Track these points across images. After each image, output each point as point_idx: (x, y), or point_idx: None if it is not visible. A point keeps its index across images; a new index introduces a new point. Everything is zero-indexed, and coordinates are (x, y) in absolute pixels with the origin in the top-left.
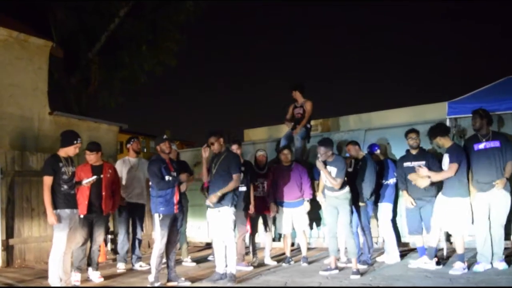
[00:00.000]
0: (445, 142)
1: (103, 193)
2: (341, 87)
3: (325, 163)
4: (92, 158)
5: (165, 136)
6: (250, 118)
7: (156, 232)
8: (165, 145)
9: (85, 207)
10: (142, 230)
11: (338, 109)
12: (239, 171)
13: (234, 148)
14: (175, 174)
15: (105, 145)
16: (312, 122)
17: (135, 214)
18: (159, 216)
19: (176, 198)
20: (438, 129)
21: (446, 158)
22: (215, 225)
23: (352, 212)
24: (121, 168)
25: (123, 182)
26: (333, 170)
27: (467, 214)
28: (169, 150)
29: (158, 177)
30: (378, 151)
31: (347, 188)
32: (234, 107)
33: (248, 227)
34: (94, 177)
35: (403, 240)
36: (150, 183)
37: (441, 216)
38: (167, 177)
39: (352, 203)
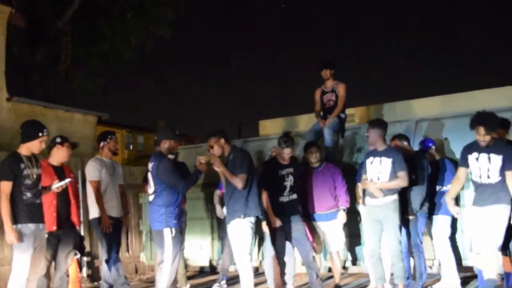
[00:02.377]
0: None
1: (72, 201)
2: (382, 67)
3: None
4: (64, 154)
5: (177, 131)
6: (267, 106)
7: (167, 253)
8: (176, 144)
9: (54, 221)
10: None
11: (379, 94)
12: (244, 171)
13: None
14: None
15: (80, 140)
16: (347, 111)
17: (116, 230)
18: (172, 231)
19: (184, 206)
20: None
21: (498, 160)
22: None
23: (400, 228)
24: (100, 169)
25: (102, 188)
26: (386, 162)
27: None
28: (177, 151)
29: (180, 176)
30: (433, 148)
31: (395, 196)
32: (246, 92)
33: (309, 236)
34: (68, 179)
35: (465, 263)
36: (151, 189)
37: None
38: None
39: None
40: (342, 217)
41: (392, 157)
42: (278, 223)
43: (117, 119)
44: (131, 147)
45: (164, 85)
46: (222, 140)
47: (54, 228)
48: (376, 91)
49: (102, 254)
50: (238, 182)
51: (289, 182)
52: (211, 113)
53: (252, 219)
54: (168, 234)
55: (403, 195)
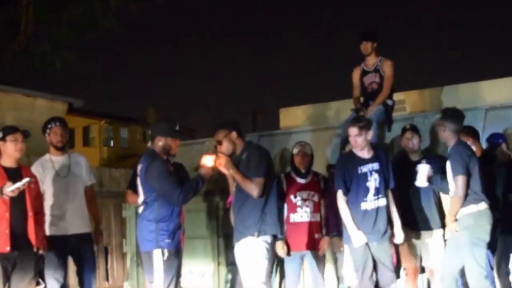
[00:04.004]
0: None
1: (29, 214)
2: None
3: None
4: (18, 147)
5: (177, 127)
6: (289, 91)
7: (158, 282)
8: (176, 143)
9: (7, 240)
10: (94, 279)
11: (436, 75)
12: (261, 174)
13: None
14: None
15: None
16: (396, 97)
17: (78, 253)
18: (164, 253)
19: (182, 221)
20: None
21: None
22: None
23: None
24: (40, 178)
25: (46, 198)
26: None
27: None
28: (175, 152)
29: (176, 182)
30: (503, 146)
31: (481, 205)
32: (262, 74)
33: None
34: (27, 179)
35: None
36: (140, 199)
37: None
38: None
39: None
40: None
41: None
42: (359, 240)
43: (94, 107)
44: (111, 143)
45: (157, 65)
46: (234, 134)
47: (7, 249)
48: (433, 71)
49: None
50: (253, 189)
51: (373, 182)
52: (217, 100)
53: (268, 239)
54: (159, 256)
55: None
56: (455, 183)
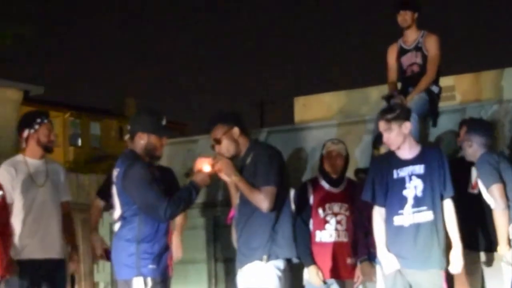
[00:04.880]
0: None
1: None
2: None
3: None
4: None
5: (164, 121)
6: (304, 77)
7: None
8: (162, 142)
9: None
10: None
11: (492, 56)
12: (272, 182)
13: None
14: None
15: None
16: (443, 82)
17: (51, 284)
18: (146, 283)
19: (170, 242)
20: None
21: None
22: None
23: None
24: (11, 182)
25: (15, 212)
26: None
27: None
28: (161, 152)
29: (162, 192)
30: None
31: None
32: (271, 56)
33: None
34: None
35: None
36: (116, 213)
37: None
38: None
39: None
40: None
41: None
42: (389, 265)
43: (58, 95)
44: (79, 141)
45: (139, 46)
46: (236, 130)
47: None
48: (491, 50)
49: None
50: (262, 200)
51: (412, 189)
52: (214, 88)
53: (281, 264)
54: (141, 286)
55: None
56: (491, 196)
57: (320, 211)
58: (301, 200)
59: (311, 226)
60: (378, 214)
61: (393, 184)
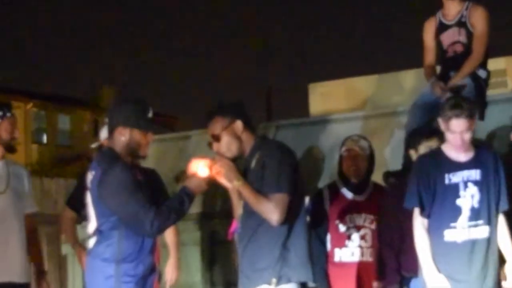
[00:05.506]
0: None
1: None
2: None
3: None
4: None
5: (150, 113)
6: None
7: None
8: (147, 138)
9: None
10: None
11: None
12: (284, 188)
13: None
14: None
15: None
16: (492, 65)
17: None
18: None
19: (156, 259)
20: None
21: None
22: None
23: None
24: None
25: None
26: None
27: None
28: (146, 152)
29: (147, 200)
30: None
31: None
32: (280, 36)
33: None
34: None
35: None
36: (91, 226)
37: None
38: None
39: None
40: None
41: None
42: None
43: (19, 83)
44: (44, 138)
45: (118, 24)
46: (239, 125)
47: None
48: None
49: None
50: (271, 211)
51: (469, 199)
52: (211, 74)
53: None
54: None
55: None
56: None
57: (340, 224)
58: (317, 211)
59: (328, 243)
60: (422, 226)
61: (444, 191)
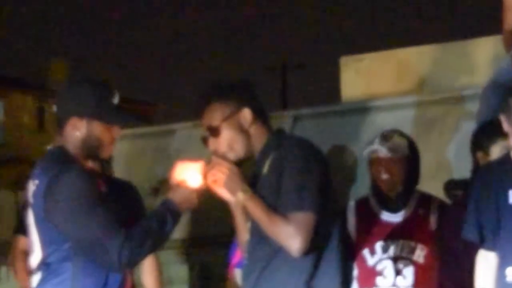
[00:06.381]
0: None
1: None
2: None
3: None
4: None
5: (116, 98)
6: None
7: None
8: (113, 134)
9: None
10: None
11: None
12: (309, 204)
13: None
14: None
15: None
16: None
17: None
18: None
19: None
20: None
21: None
22: None
23: None
24: None
25: None
26: None
27: None
28: (111, 151)
29: (117, 224)
30: None
31: None
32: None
33: None
34: None
35: None
36: (35, 257)
37: None
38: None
39: None
40: None
41: None
42: None
43: None
44: None
45: None
46: (246, 114)
47: None
48: None
49: None
50: (291, 236)
51: None
52: (205, 49)
53: None
54: None
55: None
56: None
57: (367, 254)
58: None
59: (354, 281)
60: (485, 261)
61: (507, 214)
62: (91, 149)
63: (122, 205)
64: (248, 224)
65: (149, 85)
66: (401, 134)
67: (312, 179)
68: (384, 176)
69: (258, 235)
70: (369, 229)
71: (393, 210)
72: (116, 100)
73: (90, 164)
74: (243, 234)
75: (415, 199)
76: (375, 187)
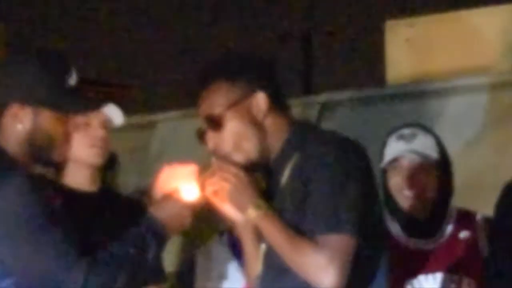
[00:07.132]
0: None
1: None
2: None
3: None
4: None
5: (74, 78)
6: None
7: None
8: (67, 130)
9: None
10: None
11: None
12: (347, 224)
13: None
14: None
15: None
16: None
17: None
18: None
19: None
20: None
21: None
22: None
23: None
24: None
25: None
26: None
27: None
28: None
29: (76, 247)
30: None
31: None
32: None
33: None
34: None
35: None
36: None
37: None
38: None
39: None
40: None
41: None
42: None
43: None
44: None
45: None
46: (260, 99)
47: None
48: None
49: None
50: (321, 268)
51: None
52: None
53: None
54: None
55: None
56: None
57: None
58: None
59: None
60: None
61: None
62: (39, 148)
63: (87, 224)
64: (261, 252)
65: (123, 62)
66: (425, 129)
67: (351, 191)
68: (410, 191)
69: (275, 267)
70: (394, 260)
71: (424, 234)
72: (73, 80)
73: (36, 166)
74: (254, 265)
75: (452, 217)
76: (395, 206)
